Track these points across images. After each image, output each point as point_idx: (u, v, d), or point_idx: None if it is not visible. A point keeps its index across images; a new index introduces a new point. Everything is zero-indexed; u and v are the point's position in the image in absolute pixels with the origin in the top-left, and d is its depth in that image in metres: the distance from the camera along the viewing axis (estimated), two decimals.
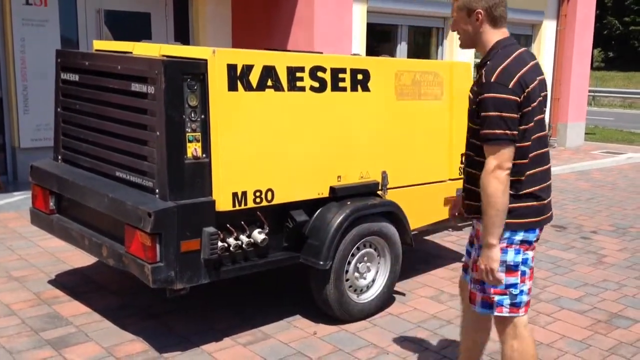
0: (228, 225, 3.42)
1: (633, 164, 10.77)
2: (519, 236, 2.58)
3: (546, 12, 11.43)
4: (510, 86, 2.41)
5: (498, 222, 2.47)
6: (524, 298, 2.64)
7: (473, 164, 2.66)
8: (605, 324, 4.03)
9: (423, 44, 10.45)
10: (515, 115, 2.44)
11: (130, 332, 3.71)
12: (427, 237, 5.82)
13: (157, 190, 3.29)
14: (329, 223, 3.72)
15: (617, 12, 42.91)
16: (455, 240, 5.86)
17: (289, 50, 4.17)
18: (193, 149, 3.27)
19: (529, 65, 2.50)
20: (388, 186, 4.14)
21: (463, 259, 3.09)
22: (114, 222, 3.49)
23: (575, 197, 8.00)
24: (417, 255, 5.28)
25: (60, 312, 3.95)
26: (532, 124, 2.51)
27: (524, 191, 2.57)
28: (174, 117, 3.19)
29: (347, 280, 3.89)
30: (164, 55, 3.44)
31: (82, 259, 4.83)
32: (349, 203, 3.83)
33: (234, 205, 3.38)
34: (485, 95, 2.44)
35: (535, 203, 2.61)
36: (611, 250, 5.65)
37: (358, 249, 3.94)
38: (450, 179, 4.64)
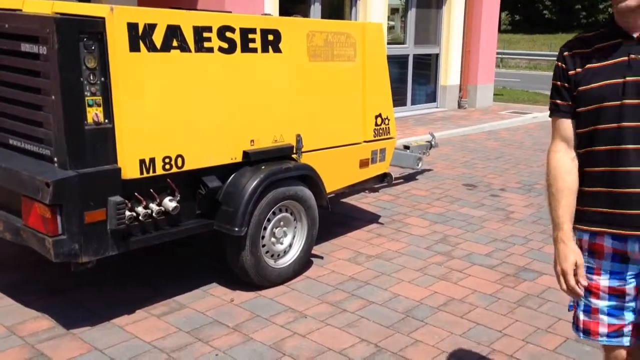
0: (136, 194, 3.26)
1: (538, 123, 11.25)
2: None
3: None
4: None
5: None
6: None
7: None
8: (514, 278, 4.20)
9: (337, 5, 10.36)
10: None
11: (34, 308, 3.51)
12: (343, 200, 5.85)
13: (55, 159, 3.08)
14: (243, 188, 3.63)
15: None
16: (371, 201, 5.92)
17: (196, 10, 3.97)
18: (93, 113, 3.06)
19: None
20: (303, 149, 4.08)
21: (605, 321, 2.07)
22: (9, 194, 3.25)
23: (485, 156, 8.27)
24: (334, 218, 5.29)
25: None
26: None
27: None
28: (70, 79, 2.96)
29: (263, 245, 3.83)
30: (56, 13, 3.17)
31: None
32: (263, 167, 3.75)
33: (141, 173, 3.22)
34: None
35: None
36: (518, 207, 5.89)
37: (274, 213, 3.88)
38: (365, 141, 4.64)
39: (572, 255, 1.99)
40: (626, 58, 1.94)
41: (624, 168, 1.94)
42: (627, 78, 1.92)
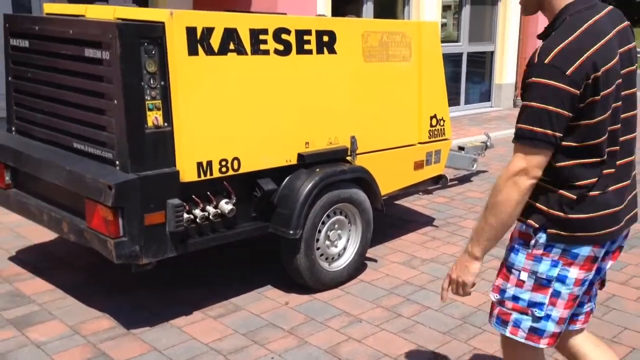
0: (194, 196, 3.30)
1: None
2: (561, 246, 2.00)
3: None
4: (569, 72, 1.80)
5: (494, 236, 1.97)
6: (551, 326, 2.05)
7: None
8: None
9: (389, 3, 10.27)
10: (566, 114, 1.83)
11: (96, 308, 3.60)
12: (397, 202, 5.79)
13: (117, 162, 3.14)
14: (298, 191, 3.63)
15: None
16: (426, 204, 5.84)
17: (251, 12, 4.00)
18: (154, 117, 3.11)
19: (605, 39, 1.87)
20: (357, 151, 4.05)
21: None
22: (73, 196, 3.33)
23: None
24: (388, 220, 5.24)
25: (22, 289, 3.81)
26: (607, 114, 1.90)
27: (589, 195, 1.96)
28: (132, 84, 3.02)
29: (318, 248, 3.82)
30: (118, 19, 3.25)
31: (43, 233, 4.64)
32: (317, 170, 3.73)
33: (199, 176, 3.26)
34: (533, 79, 1.84)
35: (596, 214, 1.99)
36: None
37: (328, 216, 3.86)
38: (420, 143, 4.58)
39: None
40: None
41: None
42: None
